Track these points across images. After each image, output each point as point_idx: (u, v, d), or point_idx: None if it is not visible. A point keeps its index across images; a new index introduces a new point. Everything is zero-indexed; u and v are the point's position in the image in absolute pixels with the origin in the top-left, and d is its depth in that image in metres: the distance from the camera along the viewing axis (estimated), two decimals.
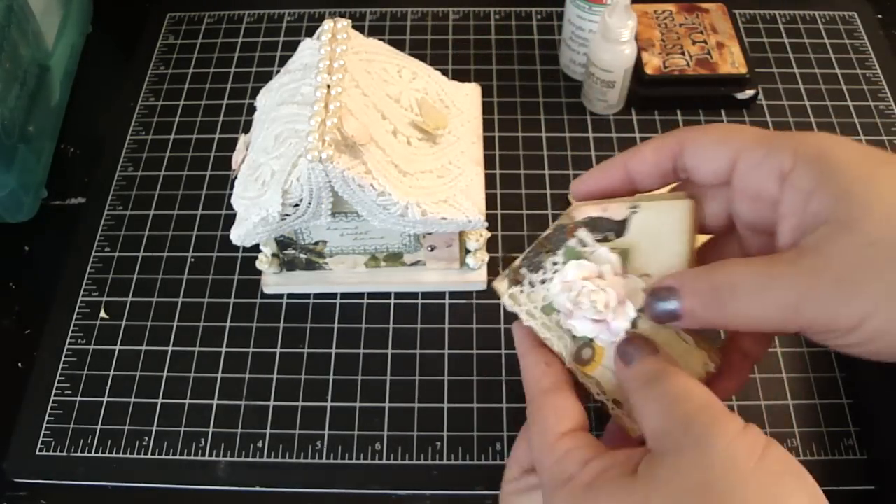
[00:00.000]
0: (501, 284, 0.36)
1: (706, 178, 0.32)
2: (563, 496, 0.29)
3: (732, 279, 0.28)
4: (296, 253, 0.48)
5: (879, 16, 0.65)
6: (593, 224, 0.34)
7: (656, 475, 0.26)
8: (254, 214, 0.41)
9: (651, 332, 0.33)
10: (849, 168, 0.28)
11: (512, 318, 0.36)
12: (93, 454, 0.45)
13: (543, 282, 0.35)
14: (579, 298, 0.33)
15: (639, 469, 0.27)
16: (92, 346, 0.48)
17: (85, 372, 0.48)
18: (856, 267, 0.26)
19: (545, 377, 0.33)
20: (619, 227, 0.33)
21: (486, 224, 0.44)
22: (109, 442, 0.45)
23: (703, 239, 0.36)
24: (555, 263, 0.34)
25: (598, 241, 0.34)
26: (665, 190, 0.34)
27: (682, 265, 0.32)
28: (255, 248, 0.47)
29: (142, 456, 0.44)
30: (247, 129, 0.47)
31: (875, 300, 0.26)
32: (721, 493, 0.25)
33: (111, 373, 0.47)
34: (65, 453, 0.45)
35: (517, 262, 0.35)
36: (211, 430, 0.45)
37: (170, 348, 0.48)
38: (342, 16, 0.45)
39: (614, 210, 0.33)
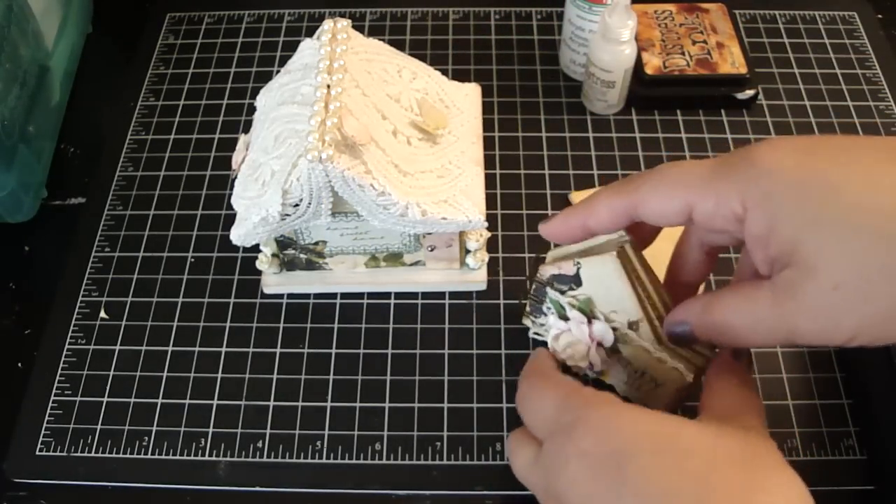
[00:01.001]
0: (526, 320, 0.45)
1: (667, 226, 0.36)
2: (626, 407, 0.32)
3: (727, 321, 0.33)
4: (296, 253, 0.48)
5: (879, 16, 0.65)
6: (557, 279, 0.40)
7: (725, 430, 0.31)
8: (254, 214, 0.41)
9: (631, 355, 0.39)
10: (796, 210, 0.29)
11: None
12: (93, 454, 0.45)
13: (546, 318, 0.43)
14: (566, 350, 0.41)
15: (703, 421, 0.33)
16: (92, 346, 0.48)
17: (85, 372, 0.48)
18: (828, 309, 0.29)
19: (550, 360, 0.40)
20: (576, 280, 0.39)
21: (486, 224, 0.44)
22: (109, 442, 0.45)
23: (674, 235, 0.40)
24: (548, 307, 0.42)
25: (564, 292, 0.40)
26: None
27: (633, 305, 0.38)
28: (255, 248, 0.47)
29: (142, 456, 0.44)
30: (247, 129, 0.47)
31: (856, 330, 0.29)
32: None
33: (111, 373, 0.47)
34: (65, 453, 0.45)
35: (527, 308, 0.44)
36: (211, 430, 0.45)
37: (170, 348, 0.48)
38: (342, 16, 0.45)
39: (566, 267, 0.39)
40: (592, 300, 0.40)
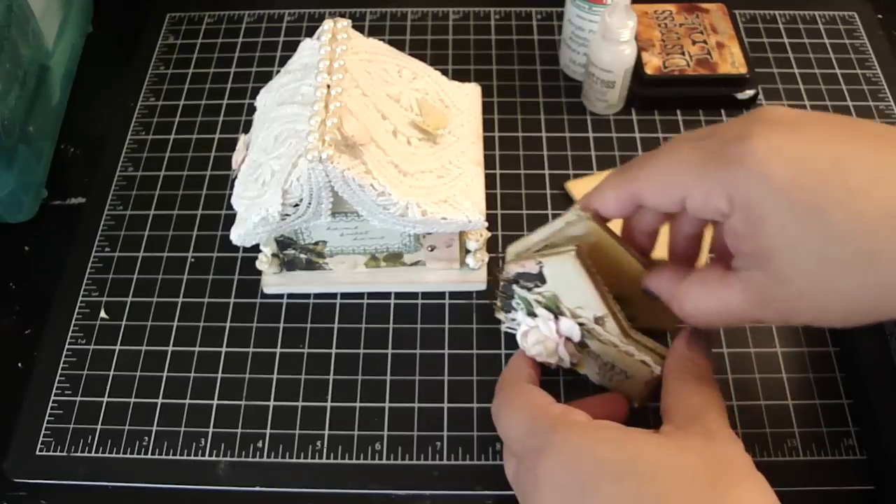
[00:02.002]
0: (499, 314, 0.46)
1: (666, 212, 0.37)
2: (589, 429, 0.34)
3: (696, 308, 0.35)
4: (296, 253, 0.48)
5: (879, 16, 0.65)
6: (522, 277, 0.41)
7: (688, 441, 0.33)
8: (254, 214, 0.41)
9: (600, 349, 0.41)
10: (778, 227, 0.30)
11: None
12: (93, 454, 0.45)
13: (516, 314, 0.44)
14: (535, 346, 0.42)
15: (664, 432, 0.34)
16: (92, 346, 0.48)
17: (85, 372, 0.48)
18: (792, 310, 0.32)
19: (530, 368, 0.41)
20: (540, 278, 0.40)
21: (486, 224, 0.44)
22: (109, 442, 0.45)
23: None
24: (517, 303, 0.43)
25: (530, 289, 0.41)
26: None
27: (596, 301, 0.39)
28: (255, 248, 0.47)
29: (142, 456, 0.44)
30: (247, 129, 0.47)
31: (810, 321, 0.32)
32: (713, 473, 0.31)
33: (111, 373, 0.47)
34: (65, 453, 0.45)
35: (498, 303, 0.45)
36: (211, 430, 0.45)
37: (170, 348, 0.48)
38: (342, 16, 0.45)
39: (529, 266, 0.40)
40: (558, 296, 0.40)
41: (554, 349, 0.42)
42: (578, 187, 0.54)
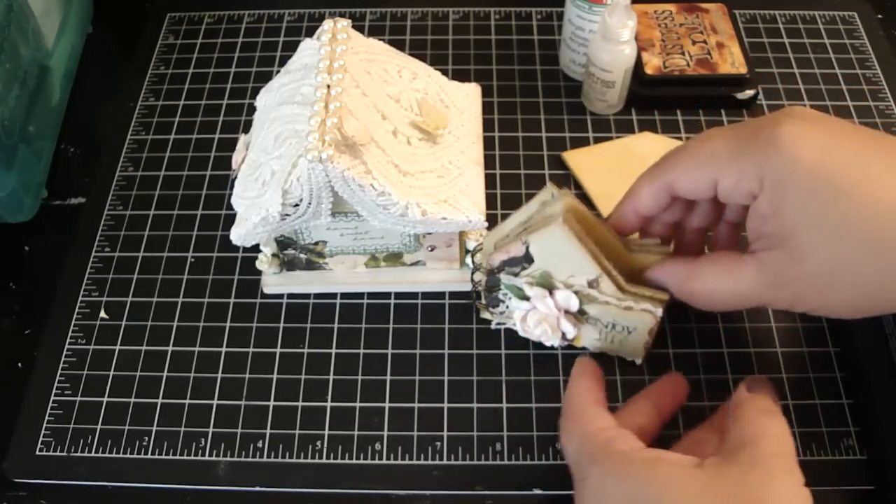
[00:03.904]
0: (485, 313, 0.47)
1: (698, 199, 0.39)
2: (621, 462, 0.33)
3: (709, 289, 0.37)
4: (296, 253, 0.48)
5: (879, 16, 0.65)
6: (507, 263, 0.42)
7: (722, 473, 0.32)
8: (254, 214, 0.41)
9: (599, 312, 0.42)
10: (802, 206, 0.33)
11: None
12: (93, 454, 0.45)
13: (507, 306, 0.45)
14: (538, 328, 0.43)
15: (705, 464, 0.32)
16: (92, 346, 0.48)
17: (85, 372, 0.48)
18: (804, 289, 0.34)
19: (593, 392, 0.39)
20: (527, 259, 0.41)
21: (486, 224, 0.44)
22: (109, 442, 0.45)
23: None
24: (504, 294, 0.44)
25: (517, 274, 0.42)
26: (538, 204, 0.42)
27: (589, 263, 0.39)
28: (255, 248, 0.47)
29: (142, 456, 0.44)
30: (247, 129, 0.47)
31: (819, 305, 0.35)
32: None
33: (111, 373, 0.47)
34: (65, 453, 0.45)
35: (483, 301, 0.45)
36: (211, 430, 0.45)
37: (170, 348, 0.48)
38: (342, 16, 0.45)
39: (514, 249, 0.41)
40: (549, 272, 0.41)
41: (556, 324, 0.42)
42: (575, 158, 0.55)
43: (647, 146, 0.56)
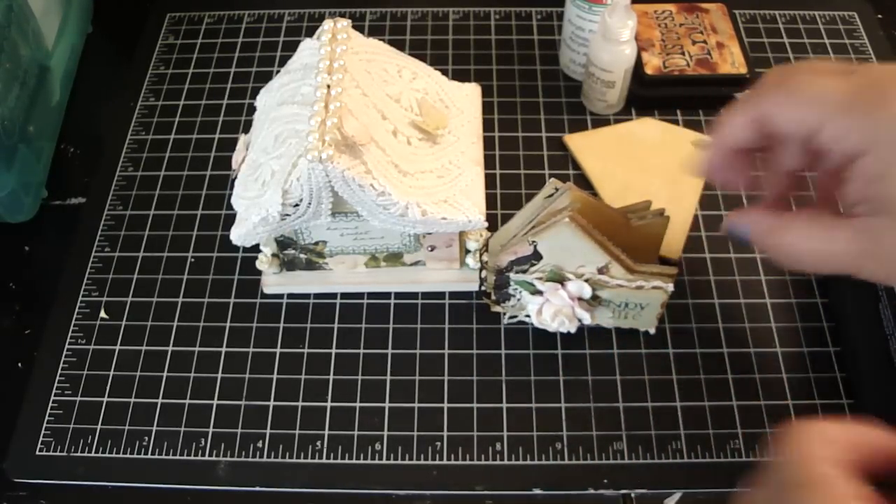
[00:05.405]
0: (496, 307, 0.47)
1: (789, 137, 0.35)
2: None
3: (796, 246, 0.34)
4: (296, 253, 0.48)
5: (879, 16, 0.65)
6: (515, 262, 0.43)
7: None
8: (254, 214, 0.41)
9: (611, 295, 0.43)
10: None
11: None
12: (93, 454, 0.45)
13: (518, 299, 0.46)
14: (556, 319, 0.44)
15: None
16: (92, 346, 0.48)
17: (85, 372, 0.48)
18: None
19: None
20: (535, 257, 0.42)
21: (486, 224, 0.44)
22: (109, 442, 0.45)
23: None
24: (515, 289, 0.45)
25: (527, 271, 0.43)
26: (541, 198, 0.43)
27: (597, 253, 0.41)
28: (255, 248, 0.47)
29: (142, 456, 0.44)
30: (247, 129, 0.47)
31: None
32: None
33: (111, 373, 0.47)
34: (65, 453, 0.45)
35: (493, 297, 0.46)
36: (211, 430, 0.45)
37: (170, 348, 0.48)
38: (342, 16, 0.45)
39: (522, 249, 0.42)
40: (559, 265, 0.42)
41: (572, 313, 0.44)
42: (576, 142, 0.56)
43: (648, 131, 0.56)
